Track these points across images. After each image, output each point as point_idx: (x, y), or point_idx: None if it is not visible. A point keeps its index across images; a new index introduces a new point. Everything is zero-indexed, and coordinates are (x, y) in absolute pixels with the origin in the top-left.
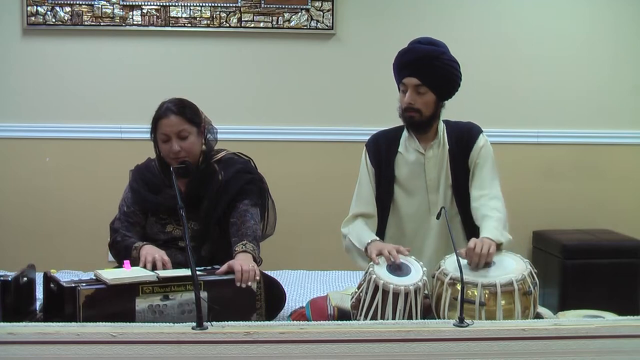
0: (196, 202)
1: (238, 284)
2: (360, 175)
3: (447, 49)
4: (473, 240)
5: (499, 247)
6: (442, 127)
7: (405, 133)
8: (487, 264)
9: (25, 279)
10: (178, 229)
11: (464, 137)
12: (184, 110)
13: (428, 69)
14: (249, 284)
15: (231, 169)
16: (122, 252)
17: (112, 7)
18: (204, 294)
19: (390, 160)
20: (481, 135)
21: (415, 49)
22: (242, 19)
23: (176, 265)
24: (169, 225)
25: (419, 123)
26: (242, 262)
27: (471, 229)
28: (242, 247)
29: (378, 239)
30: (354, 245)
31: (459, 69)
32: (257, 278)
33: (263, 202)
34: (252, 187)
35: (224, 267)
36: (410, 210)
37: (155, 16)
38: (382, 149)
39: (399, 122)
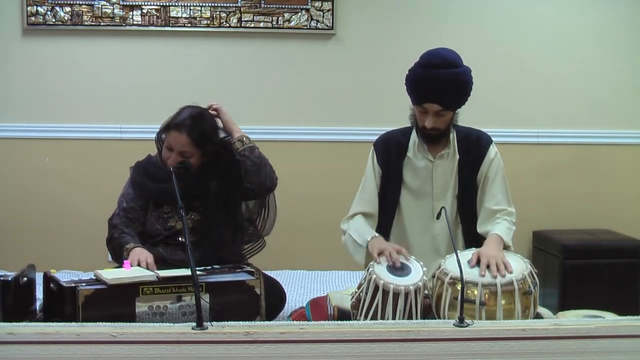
0: (202, 190)
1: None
2: (366, 174)
3: (460, 59)
4: (485, 257)
5: (504, 249)
6: (453, 135)
7: (414, 137)
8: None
9: (25, 279)
10: (180, 222)
11: (472, 148)
12: (197, 133)
13: (451, 95)
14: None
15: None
16: (117, 250)
17: (112, 7)
18: (206, 297)
19: (398, 163)
20: (491, 146)
21: (438, 76)
22: (242, 19)
23: (177, 262)
24: (171, 219)
25: (438, 137)
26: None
27: (472, 239)
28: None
29: (379, 235)
30: (354, 240)
31: (472, 77)
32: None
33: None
34: None
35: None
36: (415, 214)
37: (155, 16)
38: (392, 152)
39: (400, 122)
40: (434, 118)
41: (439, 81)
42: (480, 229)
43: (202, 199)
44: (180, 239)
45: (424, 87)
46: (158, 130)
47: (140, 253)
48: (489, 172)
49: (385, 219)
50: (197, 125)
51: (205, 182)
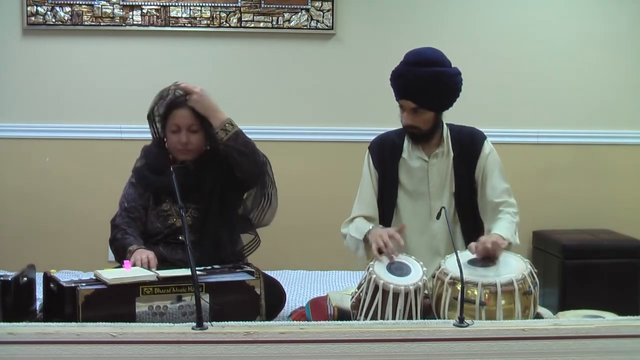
0: (199, 184)
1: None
2: (363, 178)
3: (444, 61)
4: (484, 237)
5: (507, 247)
6: (446, 132)
7: (408, 138)
8: (494, 259)
9: (25, 279)
10: (180, 219)
11: (467, 145)
12: None
13: (424, 93)
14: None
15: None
16: (120, 251)
17: (112, 7)
18: (206, 297)
19: (394, 164)
20: (485, 142)
21: (409, 73)
22: (242, 19)
23: (177, 261)
24: (171, 216)
25: (421, 136)
26: None
27: (471, 236)
28: None
29: (377, 225)
30: (354, 238)
31: (458, 80)
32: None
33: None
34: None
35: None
36: (413, 214)
37: (155, 16)
38: (386, 153)
39: (399, 122)
40: (410, 115)
41: (413, 78)
42: (486, 224)
43: (199, 192)
44: (180, 237)
45: (400, 83)
46: (150, 118)
47: (141, 253)
48: (487, 166)
49: (384, 220)
50: None
51: (202, 177)
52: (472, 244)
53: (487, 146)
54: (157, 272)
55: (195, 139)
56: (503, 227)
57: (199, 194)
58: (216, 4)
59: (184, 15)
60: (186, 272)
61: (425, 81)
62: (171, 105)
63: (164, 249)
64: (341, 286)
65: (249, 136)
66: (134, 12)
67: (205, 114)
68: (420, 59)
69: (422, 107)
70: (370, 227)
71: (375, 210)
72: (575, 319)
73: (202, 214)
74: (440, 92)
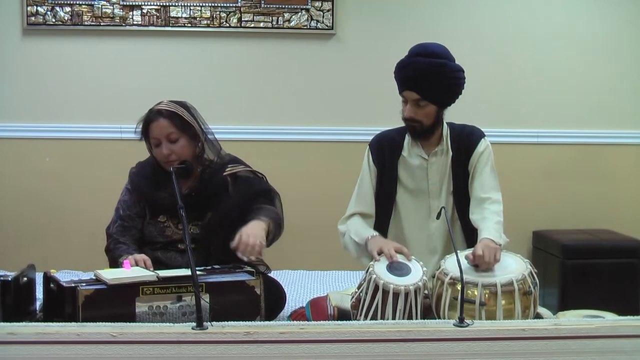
0: (197, 205)
1: (239, 255)
2: (362, 174)
3: (449, 55)
4: (480, 247)
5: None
6: (446, 131)
7: (408, 136)
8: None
9: (25, 279)
10: (177, 232)
11: (465, 143)
12: (170, 113)
13: (428, 84)
14: (252, 258)
15: (246, 188)
16: (112, 263)
17: (112, 7)
18: (206, 297)
19: (393, 162)
20: (482, 140)
21: (414, 63)
22: (242, 19)
23: (176, 267)
24: (167, 229)
25: (422, 132)
26: (249, 231)
27: (471, 234)
28: (257, 217)
29: (378, 234)
30: (353, 241)
31: (461, 76)
32: (259, 254)
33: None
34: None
35: (236, 239)
36: (411, 213)
37: (155, 16)
38: (386, 151)
39: (400, 122)
40: (413, 108)
41: (417, 68)
42: (471, 216)
43: (198, 215)
44: (180, 246)
45: (403, 74)
46: (140, 137)
47: (135, 257)
48: (478, 163)
49: (382, 218)
50: (168, 107)
51: (201, 207)
52: (469, 255)
53: (483, 144)
54: (157, 272)
55: (178, 147)
56: (491, 229)
57: (197, 215)
58: (216, 4)
59: (184, 15)
60: (186, 272)
61: (430, 72)
62: (146, 122)
63: (162, 255)
64: (341, 286)
65: (248, 136)
66: (134, 12)
67: None
68: (426, 51)
69: (425, 99)
70: (370, 236)
71: (372, 207)
72: (575, 319)
73: (203, 233)
74: (444, 84)
